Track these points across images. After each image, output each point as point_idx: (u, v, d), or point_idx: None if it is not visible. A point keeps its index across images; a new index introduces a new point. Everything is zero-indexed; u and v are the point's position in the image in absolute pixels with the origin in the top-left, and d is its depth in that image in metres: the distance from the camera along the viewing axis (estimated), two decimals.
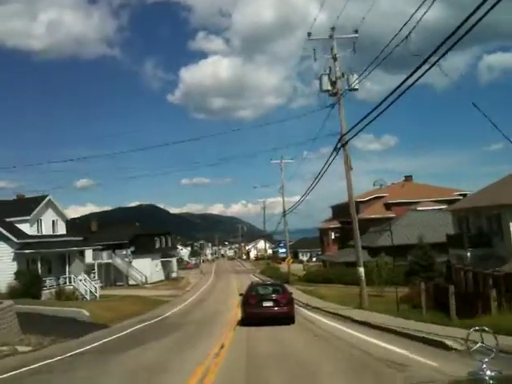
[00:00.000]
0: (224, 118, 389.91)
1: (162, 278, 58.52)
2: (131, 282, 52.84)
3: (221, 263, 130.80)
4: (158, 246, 59.02)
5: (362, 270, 21.31)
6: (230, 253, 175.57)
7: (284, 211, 44.01)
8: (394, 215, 54.57)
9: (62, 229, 33.88)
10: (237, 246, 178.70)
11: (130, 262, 53.35)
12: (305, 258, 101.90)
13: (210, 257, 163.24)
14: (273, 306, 16.34)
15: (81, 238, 35.67)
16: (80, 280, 32.86)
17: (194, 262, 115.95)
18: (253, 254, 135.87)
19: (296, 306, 20.31)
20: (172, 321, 21.14)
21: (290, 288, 22.61)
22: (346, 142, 20.91)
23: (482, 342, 2.23)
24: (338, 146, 21.20)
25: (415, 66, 11.21)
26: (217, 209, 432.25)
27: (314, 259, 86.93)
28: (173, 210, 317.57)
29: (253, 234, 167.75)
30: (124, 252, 53.77)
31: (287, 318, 16.11)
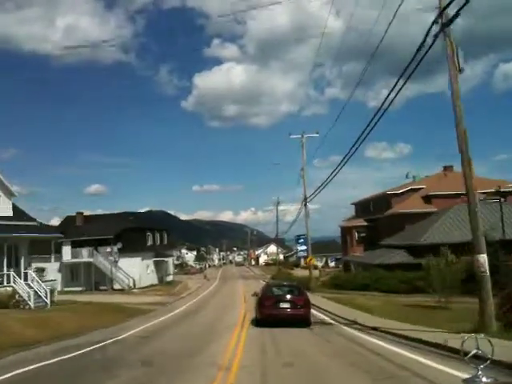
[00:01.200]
0: (237, 125, 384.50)
1: (155, 281, 49.20)
2: (116, 287, 43.62)
3: (228, 269, 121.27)
4: (150, 243, 49.71)
5: (484, 257, 11.43)
6: (239, 258, 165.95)
7: (305, 198, 34.53)
8: (435, 209, 45.02)
9: (6, 209, 24.78)
10: (245, 251, 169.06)
11: (116, 262, 44.18)
12: (319, 264, 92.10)
13: (216, 262, 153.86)
14: (290, 308, 15.92)
15: (35, 223, 26.62)
16: (29, 279, 23.76)
17: (198, 266, 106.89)
18: (262, 260, 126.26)
19: (335, 322, 17.74)
20: (115, 353, 11.60)
21: (314, 296, 20.08)
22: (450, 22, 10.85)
23: (478, 349, 2.16)
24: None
25: None
26: (226, 216, 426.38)
27: (333, 263, 76.58)
28: (183, 217, 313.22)
29: (262, 241, 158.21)
30: (109, 249, 44.64)
31: (304, 321, 15.71)
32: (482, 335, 2.35)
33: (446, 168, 52.92)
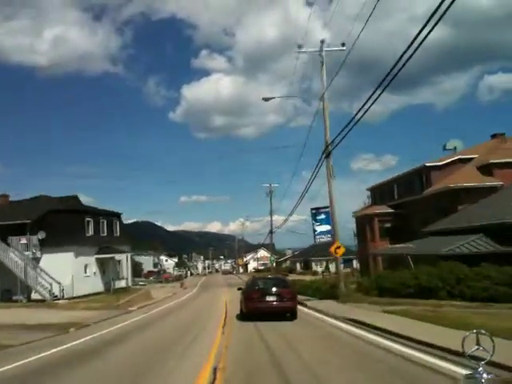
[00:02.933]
0: (225, 136, 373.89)
1: (100, 287, 34.46)
2: (36, 296, 29.01)
3: (213, 277, 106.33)
4: (91, 232, 34.81)
5: None
6: (227, 266, 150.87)
7: (326, 146, 20.61)
8: (498, 182, 31.64)
9: None
10: (233, 260, 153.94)
11: (36, 259, 29.60)
12: (319, 269, 77.89)
13: (201, 270, 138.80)
14: (276, 301, 15.43)
15: None
16: None
17: (177, 273, 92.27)
18: (252, 267, 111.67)
19: None
20: None
21: (361, 310, 15.33)
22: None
23: (479, 345, 2.14)
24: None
25: None
26: (215, 227, 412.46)
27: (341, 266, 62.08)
28: (170, 228, 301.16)
29: (250, 249, 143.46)
30: (24, 241, 30.00)
31: (291, 314, 15.41)
32: (483, 331, 2.18)
33: (495, 136, 39.29)
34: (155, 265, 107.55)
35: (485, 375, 1.92)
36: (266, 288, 16.06)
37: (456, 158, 36.63)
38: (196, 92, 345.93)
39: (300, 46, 21.92)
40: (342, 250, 21.19)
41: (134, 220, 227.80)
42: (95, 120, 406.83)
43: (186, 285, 65.64)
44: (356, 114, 16.79)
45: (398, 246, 28.80)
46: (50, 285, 28.71)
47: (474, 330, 2.28)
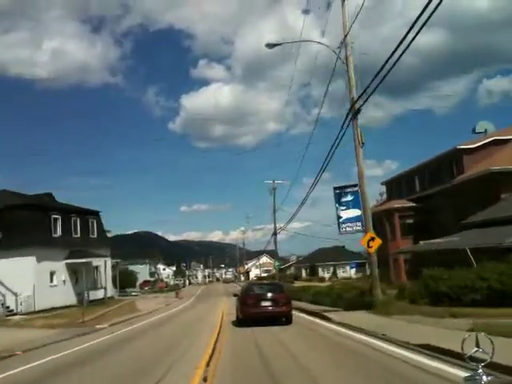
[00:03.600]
0: (225, 145, 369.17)
1: (72, 299, 28.73)
2: None
3: (213, 286, 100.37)
4: (59, 233, 29.03)
5: None
6: (228, 275, 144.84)
7: (352, 104, 15.08)
8: None
9: None
10: (234, 268, 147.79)
11: None
12: (326, 275, 72.16)
13: (200, 279, 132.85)
14: (271, 306, 15.44)
15: None
16: None
17: (173, 282, 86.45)
18: (254, 274, 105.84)
19: None
20: None
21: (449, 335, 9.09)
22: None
23: (478, 347, 2.07)
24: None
25: None
26: (216, 236, 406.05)
27: (353, 271, 55.96)
28: (171, 238, 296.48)
29: (252, 257, 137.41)
30: None
31: (286, 318, 15.44)
32: (483, 333, 2.12)
33: None
34: (152, 274, 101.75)
35: (484, 377, 1.88)
36: (261, 293, 16.05)
37: (490, 139, 31.16)
38: (195, 102, 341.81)
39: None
40: (377, 243, 15.63)
41: (135, 231, 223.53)
42: (94, 131, 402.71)
43: (182, 294, 59.96)
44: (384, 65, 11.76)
45: (435, 241, 23.16)
46: (3, 296, 23.10)
47: (474, 332, 2.24)
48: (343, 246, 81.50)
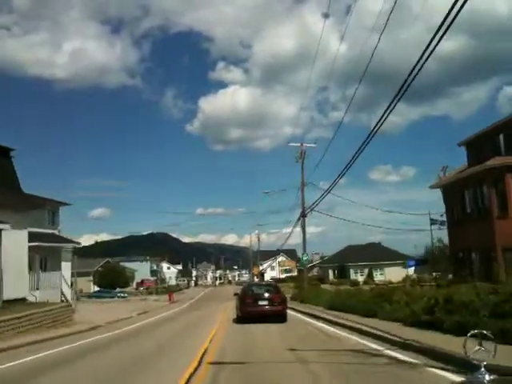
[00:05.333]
0: (241, 148, 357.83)
1: None
2: None
3: (221, 288, 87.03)
4: None
5: None
6: (245, 277, 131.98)
7: None
8: None
9: None
10: (248, 269, 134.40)
11: None
12: (360, 278, 58.44)
13: (210, 281, 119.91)
14: (268, 305, 16.86)
15: None
16: None
17: (177, 282, 73.51)
18: (269, 276, 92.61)
19: None
20: None
21: None
22: None
23: (481, 346, 2.08)
24: None
25: None
26: (231, 239, 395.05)
27: (411, 269, 41.58)
28: (186, 240, 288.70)
29: (266, 257, 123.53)
30: None
31: (281, 316, 16.61)
32: (485, 332, 2.17)
33: None
34: (153, 273, 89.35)
35: (487, 376, 1.87)
36: (259, 293, 17.67)
37: None
38: (213, 104, 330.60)
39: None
40: None
41: (150, 231, 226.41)
42: (111, 133, 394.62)
43: (177, 297, 47.29)
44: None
45: None
46: None
47: (476, 331, 2.24)
48: (379, 243, 67.75)
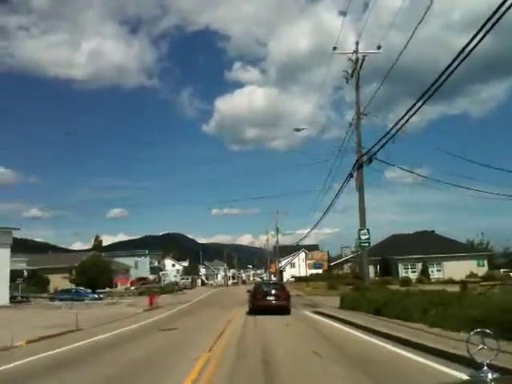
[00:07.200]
0: (258, 148, 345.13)
1: None
2: None
3: (232, 289, 72.99)
4: None
5: None
6: (262, 276, 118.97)
7: None
8: None
9: None
10: (264, 268, 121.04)
11: None
12: (412, 275, 44.72)
13: (221, 280, 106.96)
14: (274, 300, 20.18)
15: None
16: None
17: (177, 280, 60.76)
18: (289, 274, 79.17)
19: None
20: None
21: None
22: None
23: (483, 344, 2.14)
24: None
25: None
26: (246, 239, 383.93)
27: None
28: (201, 240, 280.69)
29: (285, 255, 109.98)
30: None
31: (285, 310, 19.77)
32: (488, 330, 2.24)
33: None
34: (153, 269, 76.70)
35: (489, 374, 1.89)
36: (267, 290, 20.97)
37: None
38: (229, 104, 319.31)
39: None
40: None
41: (167, 232, 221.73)
42: (129, 133, 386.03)
43: (170, 300, 34.24)
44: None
45: None
46: None
47: (479, 329, 2.26)
48: (433, 231, 53.51)
